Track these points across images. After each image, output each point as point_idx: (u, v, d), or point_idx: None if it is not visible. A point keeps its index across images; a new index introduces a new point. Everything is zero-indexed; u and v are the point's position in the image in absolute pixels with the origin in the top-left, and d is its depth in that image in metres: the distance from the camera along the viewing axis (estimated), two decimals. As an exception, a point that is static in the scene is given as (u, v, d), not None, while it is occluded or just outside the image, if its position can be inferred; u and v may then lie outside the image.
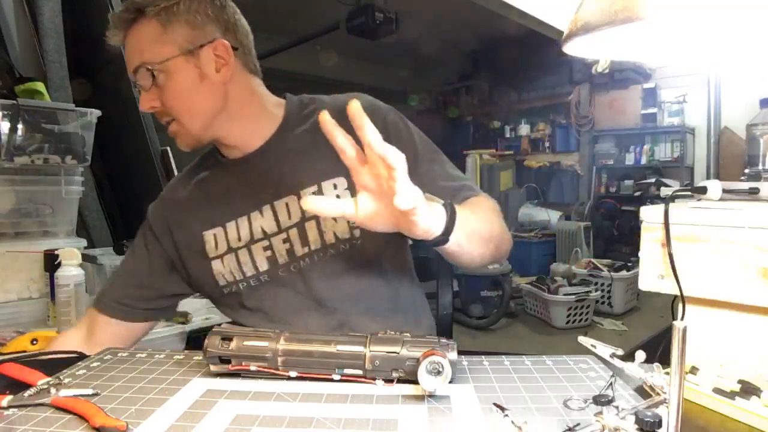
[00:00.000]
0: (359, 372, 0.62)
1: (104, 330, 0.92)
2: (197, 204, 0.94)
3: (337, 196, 0.86)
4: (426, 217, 0.63)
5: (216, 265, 0.90)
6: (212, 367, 0.65)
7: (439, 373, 0.57)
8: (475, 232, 0.76)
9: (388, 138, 0.83)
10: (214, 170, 0.96)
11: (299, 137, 0.91)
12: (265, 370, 0.63)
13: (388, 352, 0.61)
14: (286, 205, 0.88)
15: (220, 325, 0.68)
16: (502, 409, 0.54)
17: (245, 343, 0.64)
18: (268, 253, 0.88)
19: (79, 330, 0.94)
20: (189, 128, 0.86)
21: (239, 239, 0.89)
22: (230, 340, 0.64)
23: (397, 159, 0.58)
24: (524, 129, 6.16)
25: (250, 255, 0.89)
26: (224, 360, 0.64)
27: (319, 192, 0.87)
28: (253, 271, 0.89)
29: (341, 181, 0.87)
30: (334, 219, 0.86)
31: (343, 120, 0.74)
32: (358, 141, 0.76)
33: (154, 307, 0.97)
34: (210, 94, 0.85)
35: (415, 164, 0.88)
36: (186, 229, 0.92)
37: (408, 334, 0.64)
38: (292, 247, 0.88)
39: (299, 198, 0.87)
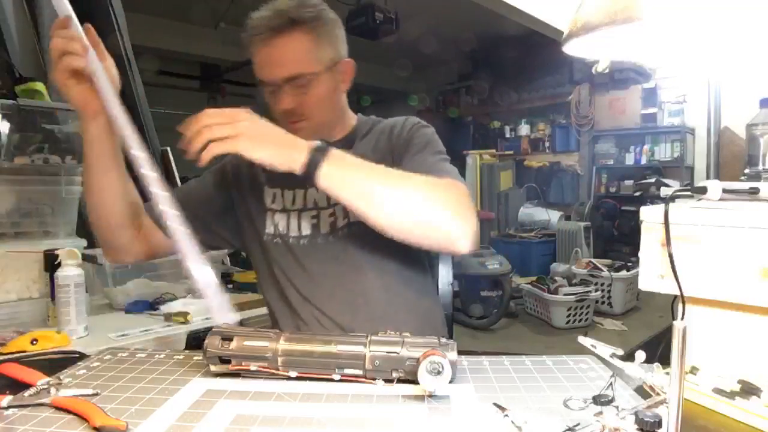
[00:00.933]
0: (359, 372, 0.62)
1: (150, 228, 1.00)
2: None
3: None
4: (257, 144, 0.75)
5: (270, 216, 1.03)
6: (212, 367, 0.65)
7: (439, 373, 0.57)
8: (378, 187, 0.78)
9: (409, 133, 1.00)
10: None
11: (362, 141, 1.03)
12: (266, 370, 0.63)
13: (388, 353, 0.61)
14: None
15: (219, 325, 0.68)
16: (502, 409, 0.54)
17: (245, 343, 0.64)
18: (314, 221, 1.00)
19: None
20: (315, 125, 0.97)
21: (293, 203, 1.02)
22: (230, 340, 0.64)
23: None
24: (524, 129, 6.16)
25: (298, 219, 1.01)
26: (224, 360, 0.64)
27: None
28: (296, 233, 1.00)
29: None
30: None
31: (390, 131, 1.02)
32: (385, 156, 0.97)
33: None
34: (336, 102, 1.01)
35: (412, 154, 0.95)
36: (253, 180, 1.06)
37: (408, 334, 0.64)
38: (335, 220, 0.98)
39: None
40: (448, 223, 0.78)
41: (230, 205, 1.08)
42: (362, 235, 0.95)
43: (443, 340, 0.62)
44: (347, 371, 0.62)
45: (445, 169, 0.94)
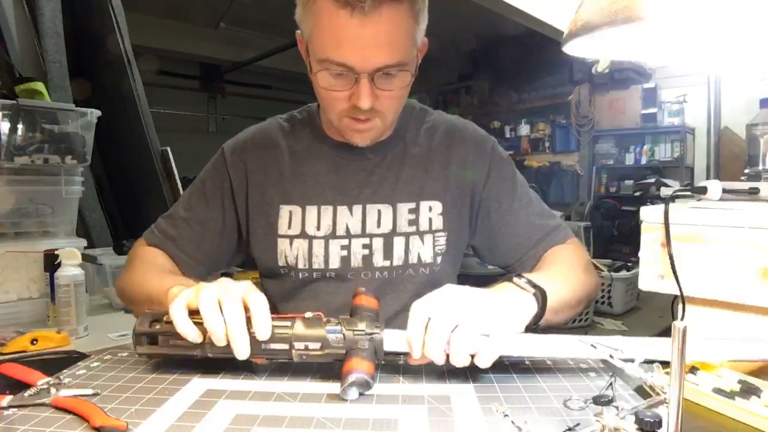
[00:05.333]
0: (285, 360, 0.62)
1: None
2: (282, 169, 0.88)
3: (430, 219, 0.87)
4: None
5: (282, 244, 0.86)
6: (138, 348, 0.64)
7: (362, 391, 0.57)
8: (565, 304, 0.76)
9: (489, 167, 0.90)
10: (312, 142, 0.90)
11: (414, 149, 0.90)
12: (190, 354, 0.62)
13: (312, 350, 0.61)
14: (378, 212, 0.86)
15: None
16: (502, 409, 0.54)
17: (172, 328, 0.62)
18: (344, 252, 0.85)
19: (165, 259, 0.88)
20: (386, 126, 0.83)
21: (318, 228, 0.85)
22: (159, 321, 0.64)
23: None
24: (524, 129, 6.16)
25: (325, 249, 0.85)
26: (152, 341, 0.63)
27: (416, 210, 0.87)
28: (322, 266, 0.85)
29: (437, 205, 0.88)
30: (422, 242, 0.86)
31: (449, 141, 0.90)
32: (453, 159, 0.89)
33: (212, 270, 0.93)
34: (407, 93, 0.81)
35: (511, 198, 0.91)
36: (262, 193, 0.88)
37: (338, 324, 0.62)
38: (371, 255, 0.85)
39: (394, 209, 0.86)
40: (597, 291, 0.87)
41: (239, 224, 0.91)
42: (407, 282, 0.86)
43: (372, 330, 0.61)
44: (271, 357, 0.62)
45: (553, 214, 0.93)
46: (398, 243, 0.86)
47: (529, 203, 0.92)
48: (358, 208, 0.86)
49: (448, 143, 0.91)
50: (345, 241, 0.85)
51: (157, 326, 0.64)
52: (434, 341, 0.57)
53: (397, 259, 0.86)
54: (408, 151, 0.89)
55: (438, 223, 0.87)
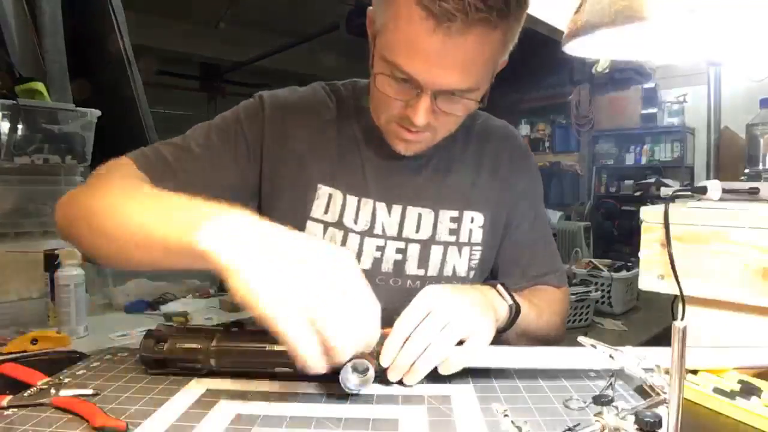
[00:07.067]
0: (291, 370, 0.60)
1: None
2: (329, 147, 0.79)
3: (470, 231, 0.83)
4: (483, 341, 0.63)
5: (313, 228, 0.77)
6: (149, 370, 0.65)
7: (363, 372, 0.56)
8: (528, 332, 0.76)
9: (526, 188, 0.88)
10: (358, 125, 0.82)
11: (464, 153, 0.85)
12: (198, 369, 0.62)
13: None
14: (419, 215, 0.81)
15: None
16: (502, 409, 0.54)
17: (177, 345, 0.63)
18: (378, 254, 0.78)
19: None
20: (435, 141, 0.76)
21: (356, 222, 0.77)
22: (165, 341, 0.63)
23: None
24: (524, 129, 6.15)
25: (360, 246, 0.77)
26: (159, 362, 0.64)
27: (459, 219, 0.82)
28: None
29: (479, 217, 0.83)
30: (459, 254, 0.82)
31: (499, 151, 0.86)
32: (501, 173, 0.85)
33: None
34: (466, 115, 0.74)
35: (528, 224, 0.88)
36: (300, 166, 0.77)
37: None
38: (404, 261, 0.79)
39: (436, 215, 0.81)
40: (557, 341, 0.84)
41: (260, 185, 0.80)
42: None
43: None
44: (278, 369, 0.61)
45: (556, 265, 0.90)
46: (435, 252, 0.81)
47: (539, 237, 0.90)
48: (397, 209, 0.80)
49: (497, 155, 0.86)
50: (381, 242, 0.78)
51: (165, 346, 0.63)
52: (406, 358, 0.58)
53: (433, 269, 0.81)
54: (456, 155, 0.84)
55: (477, 236, 0.83)
